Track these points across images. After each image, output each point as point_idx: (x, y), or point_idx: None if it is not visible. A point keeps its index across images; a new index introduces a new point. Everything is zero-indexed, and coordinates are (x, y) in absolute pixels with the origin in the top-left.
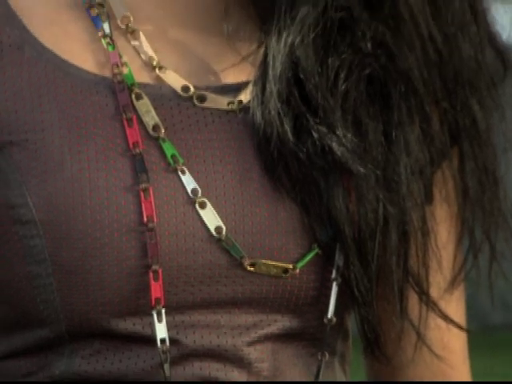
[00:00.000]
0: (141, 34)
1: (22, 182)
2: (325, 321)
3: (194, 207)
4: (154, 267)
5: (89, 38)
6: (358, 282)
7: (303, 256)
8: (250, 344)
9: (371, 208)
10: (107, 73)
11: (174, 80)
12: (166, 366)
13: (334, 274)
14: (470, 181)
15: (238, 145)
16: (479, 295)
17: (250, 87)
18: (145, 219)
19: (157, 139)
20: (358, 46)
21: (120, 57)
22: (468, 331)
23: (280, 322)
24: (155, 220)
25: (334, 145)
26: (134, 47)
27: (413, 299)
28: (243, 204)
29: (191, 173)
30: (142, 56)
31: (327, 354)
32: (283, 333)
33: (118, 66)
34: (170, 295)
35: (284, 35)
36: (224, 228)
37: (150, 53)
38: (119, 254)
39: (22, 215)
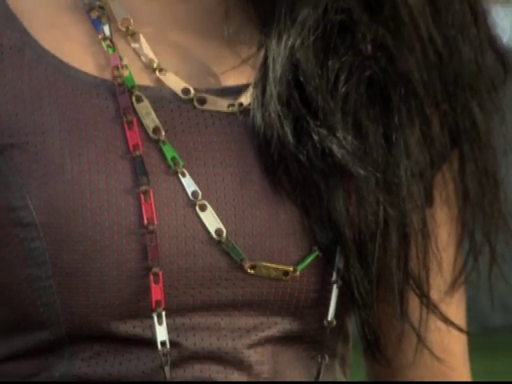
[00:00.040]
0: (141, 36)
1: (23, 185)
2: (325, 323)
3: (195, 210)
4: (155, 270)
5: (89, 40)
6: (358, 284)
7: (303, 258)
8: (251, 346)
9: (371, 210)
10: (107, 75)
11: (175, 82)
12: (167, 369)
13: (334, 277)
14: (471, 183)
15: (239, 147)
16: (479, 297)
17: (250, 90)
18: (145, 221)
19: (157, 142)
20: (358, 49)
21: (120, 59)
22: (468, 333)
23: (280, 325)
24: (155, 222)
25: (335, 147)
26: (135, 50)
27: (413, 301)
28: (243, 206)
29: (191, 175)
30: (143, 58)
31: (327, 357)
32: (283, 335)
33: (118, 68)
34: (170, 298)
35: (284, 38)
36: (224, 230)
37: (151, 55)
38: (119, 257)
39: (22, 218)
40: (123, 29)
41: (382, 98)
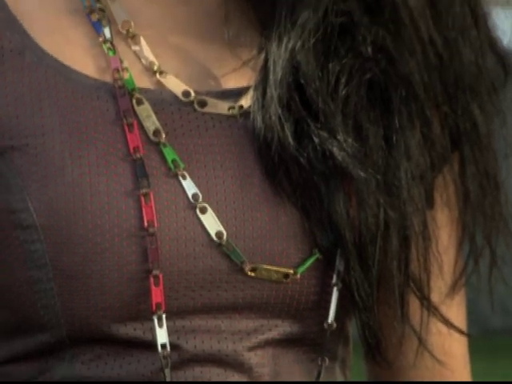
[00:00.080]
0: (141, 39)
1: (23, 187)
2: (325, 326)
3: (195, 212)
4: (155, 272)
5: (89, 43)
6: (358, 287)
7: (304, 261)
8: (251, 349)
9: (372, 213)
10: (108, 78)
11: (175, 85)
12: (167, 371)
13: (334, 279)
14: (471, 185)
15: (239, 150)
16: (479, 300)
17: (250, 92)
18: (145, 224)
19: (157, 144)
20: (358, 51)
21: (121, 62)
22: (468, 336)
23: (280, 327)
24: (156, 225)
25: (335, 149)
26: (135, 52)
27: (414, 304)
28: (244, 209)
29: (192, 178)
30: (143, 61)
31: (327, 360)
32: (284, 338)
33: (118, 71)
34: (170, 300)
35: (284, 40)
36: (225, 233)
37: (151, 58)
38: (120, 259)
39: (22, 220)
40: (124, 31)
41: (382, 101)
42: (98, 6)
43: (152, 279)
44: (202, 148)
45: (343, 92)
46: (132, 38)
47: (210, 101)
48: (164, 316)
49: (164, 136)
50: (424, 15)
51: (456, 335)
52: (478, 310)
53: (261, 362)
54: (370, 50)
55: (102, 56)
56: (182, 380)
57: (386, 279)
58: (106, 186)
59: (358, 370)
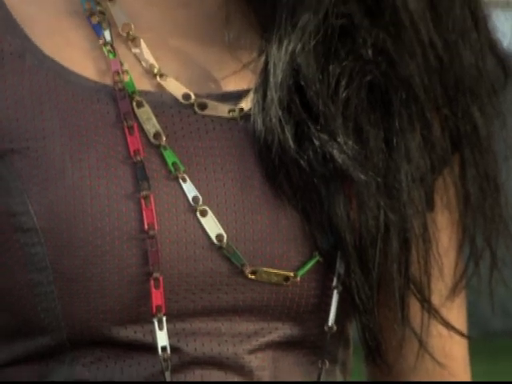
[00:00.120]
0: (142, 41)
1: (23, 190)
2: (325, 329)
3: (195, 215)
4: (155, 275)
5: (90, 45)
6: (359, 289)
7: (304, 264)
8: (251, 352)
9: (372, 215)
10: (108, 80)
11: (175, 88)
12: (167, 374)
13: (334, 282)
14: (472, 187)
15: (239, 152)
16: (480, 302)
17: (250, 95)
18: (146, 227)
19: (158, 147)
20: (358, 53)
21: (121, 64)
22: (468, 338)
23: (281, 330)
24: (156, 227)
25: (335, 152)
26: (135, 55)
27: (414, 307)
28: (244, 212)
29: (192, 180)
30: (143, 64)
31: (328, 362)
32: (284, 341)
33: (118, 73)
34: (170, 303)
35: (285, 43)
36: (225, 236)
37: (151, 60)
38: (120, 262)
39: (23, 223)
40: (124, 34)
41: (382, 103)
42: (98, 8)
43: (152, 282)
44: (203, 151)
45: (343, 94)
46: (132, 40)
47: (211, 103)
48: (164, 319)
49: (164, 139)
50: (424, 18)
51: (457, 338)
52: (478, 312)
53: (261, 364)
54: (370, 52)
55: (102, 59)
56: None
57: (386, 282)
58: (106, 189)
59: (359, 373)
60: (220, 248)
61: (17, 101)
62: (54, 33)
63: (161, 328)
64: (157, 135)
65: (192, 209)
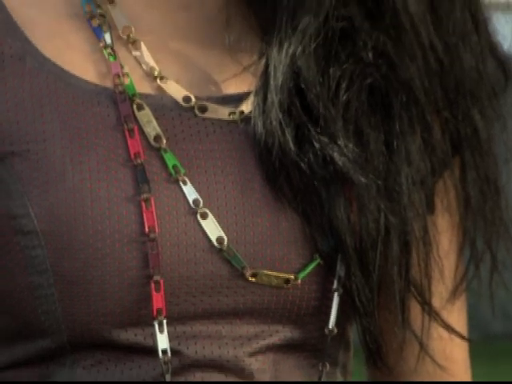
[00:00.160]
0: (142, 44)
1: (24, 193)
2: (326, 331)
3: (196, 218)
4: (156, 278)
5: (90, 48)
6: (359, 292)
7: (305, 266)
8: (252, 355)
9: (372, 218)
10: (108, 83)
11: (176, 90)
12: (168, 377)
13: (335, 285)
14: (472, 190)
15: (240, 155)
16: (480, 305)
17: (251, 97)
18: (146, 229)
19: (158, 150)
20: (359, 56)
21: (121, 67)
22: (469, 340)
23: (281, 333)
24: (157, 230)
25: (336, 155)
26: (136, 58)
27: (415, 309)
28: (244, 214)
29: (192, 183)
30: (144, 66)
31: (328, 365)
32: (284, 343)
33: (119, 76)
34: (171, 306)
35: (285, 45)
36: (225, 238)
37: (152, 63)
38: (121, 265)
39: (23, 226)
40: (124, 37)
41: (383, 106)
42: (99, 11)
43: (153, 285)
44: (203, 153)
45: (344, 97)
46: (133, 43)
47: (211, 106)
48: (165, 321)
49: (165, 141)
50: (425, 20)
51: (457, 340)
52: (478, 314)
53: (261, 367)
54: (370, 55)
55: (103, 61)
56: None
57: (386, 284)
58: (106, 192)
59: (359, 376)
60: (220, 251)
61: (17, 103)
62: (54, 35)
63: (161, 331)
64: (157, 138)
65: (192, 211)
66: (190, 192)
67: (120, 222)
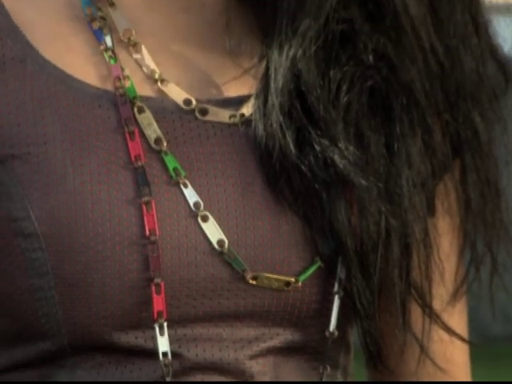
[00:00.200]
0: (143, 47)
1: (24, 195)
2: (327, 334)
3: (196, 220)
4: (156, 280)
5: (91, 51)
6: (360, 295)
7: (305, 269)
8: (252, 357)
9: (373, 221)
10: (109, 86)
11: (176, 93)
12: (168, 380)
13: (336, 287)
14: (472, 193)
15: (240, 158)
16: (480, 307)
17: (251, 100)
18: (147, 232)
19: (159, 152)
20: (359, 59)
21: (122, 70)
22: (469, 343)
23: (282, 336)
24: (157, 233)
25: (336, 157)
26: (136, 60)
27: (415, 312)
28: (245, 217)
29: (193, 186)
30: (144, 69)
31: (329, 368)
32: (285, 346)
33: (120, 79)
34: (172, 308)
35: (285, 48)
36: (226, 241)
37: (152, 66)
38: (121, 267)
39: (24, 228)
40: (125, 39)
41: (383, 108)
42: (100, 14)
43: (153, 287)
44: (204, 156)
45: (344, 100)
46: (133, 46)
47: (211, 109)
48: (165, 324)
49: (165, 144)
50: (425, 23)
51: (458, 343)
52: (479, 317)
53: (262, 370)
54: (371, 57)
55: (104, 64)
56: None
57: (387, 287)
58: (107, 195)
59: (360, 378)
60: (221, 253)
61: (18, 106)
62: (54, 38)
63: (162, 334)
64: (158, 141)
65: (193, 214)
66: (191, 195)
67: (121, 224)
